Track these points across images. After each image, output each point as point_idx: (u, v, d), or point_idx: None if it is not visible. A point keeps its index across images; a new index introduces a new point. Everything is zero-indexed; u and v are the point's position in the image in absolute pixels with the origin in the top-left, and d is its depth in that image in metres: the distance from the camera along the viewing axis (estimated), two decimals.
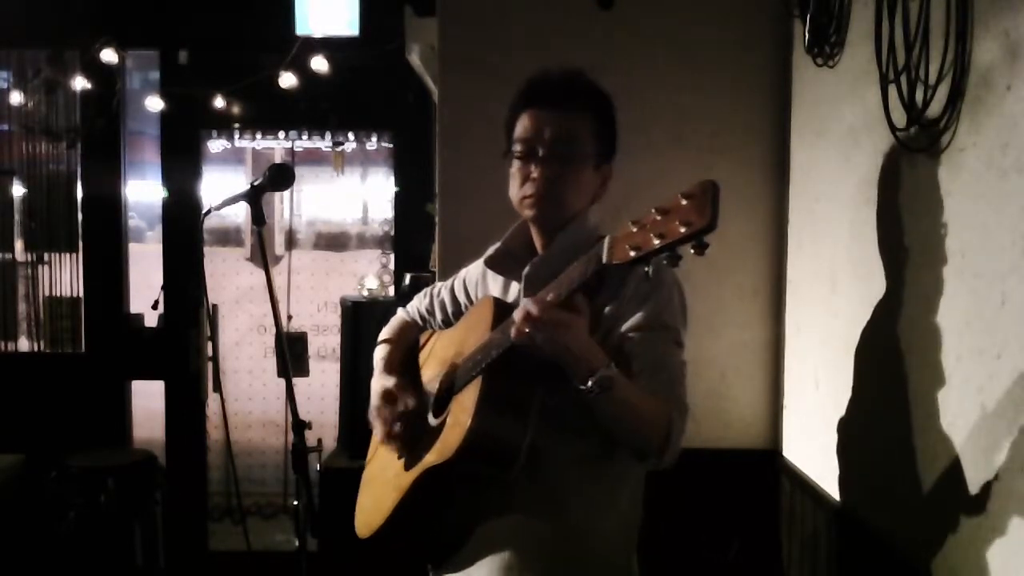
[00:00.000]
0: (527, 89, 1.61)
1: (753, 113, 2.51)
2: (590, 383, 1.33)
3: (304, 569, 1.81)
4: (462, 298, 1.80)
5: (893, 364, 1.74)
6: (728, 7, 2.50)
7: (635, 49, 2.50)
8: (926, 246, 1.62)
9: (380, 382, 1.76)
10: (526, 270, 1.57)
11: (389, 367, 1.80)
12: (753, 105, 2.51)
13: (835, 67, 2.09)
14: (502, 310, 1.51)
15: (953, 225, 1.54)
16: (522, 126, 1.58)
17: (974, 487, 1.45)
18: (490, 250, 1.69)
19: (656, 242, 1.12)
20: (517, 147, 1.58)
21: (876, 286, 1.83)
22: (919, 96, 1.61)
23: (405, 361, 1.83)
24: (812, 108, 2.31)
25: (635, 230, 1.15)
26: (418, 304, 1.92)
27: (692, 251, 1.10)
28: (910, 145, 1.67)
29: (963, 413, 1.49)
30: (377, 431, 1.72)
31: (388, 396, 1.71)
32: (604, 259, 1.22)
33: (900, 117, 1.67)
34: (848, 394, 1.98)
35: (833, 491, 2.08)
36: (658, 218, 1.12)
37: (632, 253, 1.15)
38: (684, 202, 1.09)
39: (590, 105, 1.59)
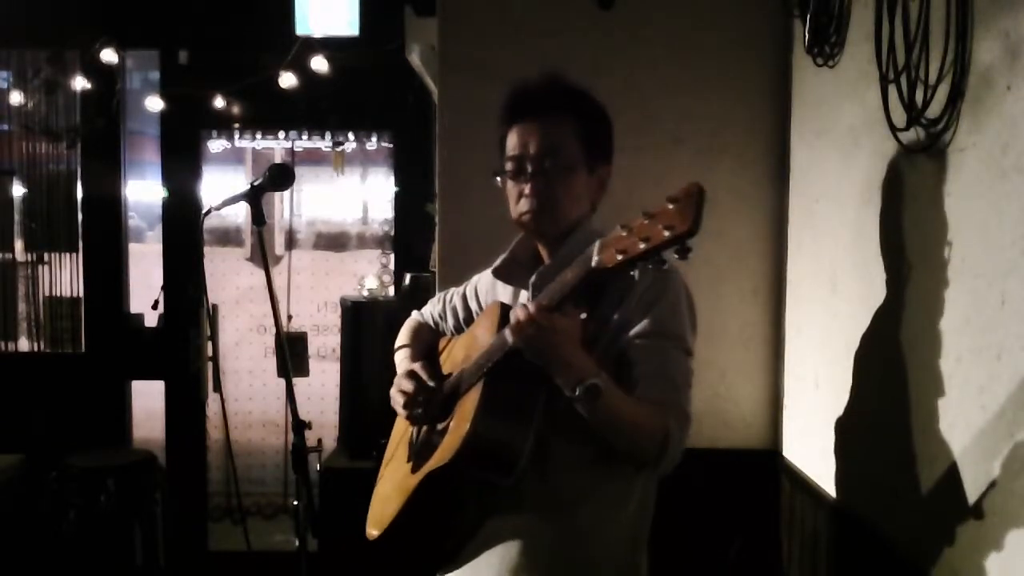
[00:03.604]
0: (508, 103, 1.60)
1: (753, 113, 2.51)
2: (577, 391, 1.34)
3: (304, 569, 1.81)
4: (473, 305, 1.81)
5: (893, 364, 1.74)
6: (728, 7, 2.50)
7: (635, 49, 2.50)
8: (926, 246, 1.62)
9: (405, 367, 1.75)
10: (532, 279, 1.57)
11: (414, 359, 1.80)
12: (753, 105, 2.51)
13: (835, 67, 2.09)
14: (509, 315, 1.50)
15: (953, 225, 1.54)
16: (510, 143, 1.58)
17: (974, 487, 1.45)
18: (497, 261, 1.69)
19: (641, 246, 1.12)
20: (508, 165, 1.58)
21: (876, 286, 1.83)
22: (919, 96, 1.60)
23: (427, 359, 1.82)
24: (812, 108, 2.31)
25: (624, 234, 1.16)
26: (431, 308, 1.93)
27: (675, 255, 1.10)
28: (910, 145, 1.67)
29: (963, 413, 1.49)
30: (399, 407, 1.70)
31: (412, 374, 1.70)
32: (593, 263, 1.22)
33: (900, 117, 1.67)
34: (848, 394, 1.98)
35: (833, 491, 2.07)
36: (645, 222, 1.12)
37: (619, 257, 1.16)
38: (670, 206, 1.09)
39: (572, 109, 1.56)
